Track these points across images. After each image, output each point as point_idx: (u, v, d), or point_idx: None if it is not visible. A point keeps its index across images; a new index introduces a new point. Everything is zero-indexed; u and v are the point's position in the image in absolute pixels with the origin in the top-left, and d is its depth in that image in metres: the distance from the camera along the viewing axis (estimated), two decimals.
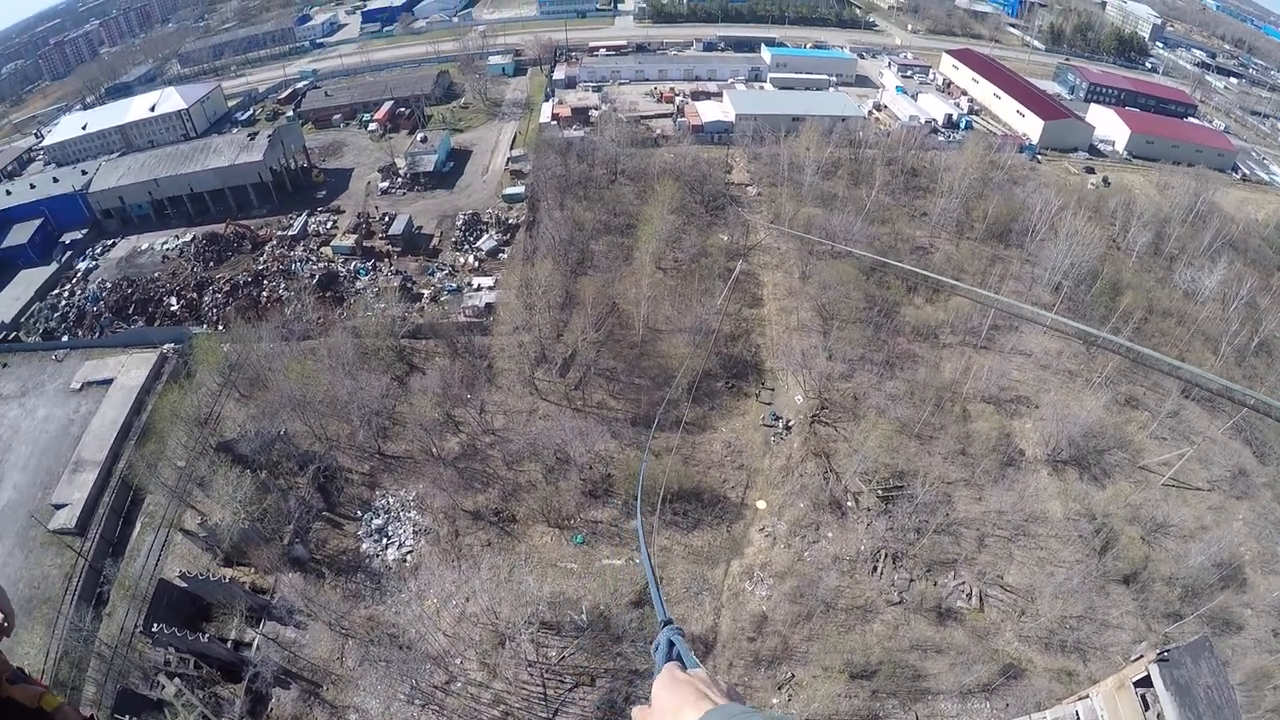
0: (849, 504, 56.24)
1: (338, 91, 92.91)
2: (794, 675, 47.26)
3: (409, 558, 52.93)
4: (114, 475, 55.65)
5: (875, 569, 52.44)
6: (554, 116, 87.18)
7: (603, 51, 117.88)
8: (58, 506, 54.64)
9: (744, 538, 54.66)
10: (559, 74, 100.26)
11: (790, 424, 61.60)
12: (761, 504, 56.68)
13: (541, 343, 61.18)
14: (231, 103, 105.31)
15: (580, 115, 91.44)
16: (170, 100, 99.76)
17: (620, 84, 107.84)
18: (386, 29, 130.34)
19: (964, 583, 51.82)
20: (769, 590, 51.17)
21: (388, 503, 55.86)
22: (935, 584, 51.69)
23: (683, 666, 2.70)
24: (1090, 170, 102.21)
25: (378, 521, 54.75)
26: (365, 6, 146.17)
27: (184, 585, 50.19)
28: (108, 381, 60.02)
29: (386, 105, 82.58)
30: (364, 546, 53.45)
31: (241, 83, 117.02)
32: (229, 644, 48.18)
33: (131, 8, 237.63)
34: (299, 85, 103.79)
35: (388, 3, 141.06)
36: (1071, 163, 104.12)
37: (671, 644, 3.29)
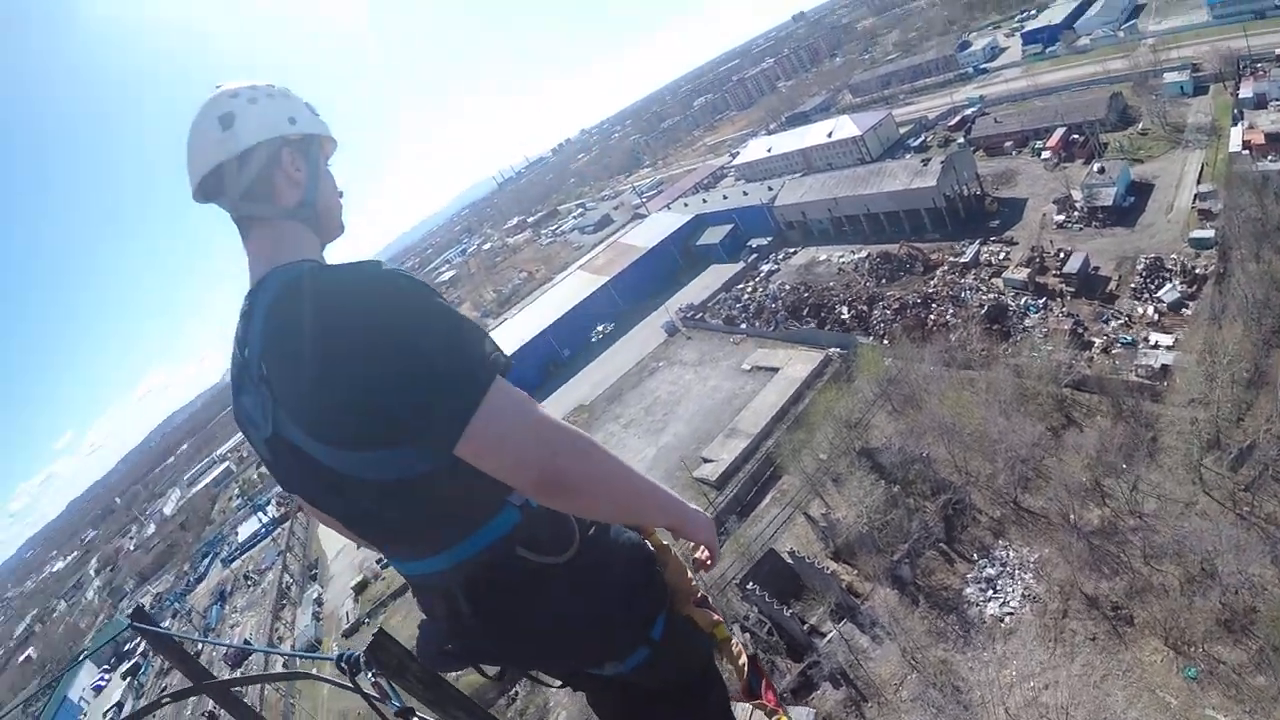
0: None
1: (1006, 118, 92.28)
2: None
3: (1007, 619, 51.09)
4: (760, 449, 62.89)
5: None
6: (1244, 144, 76.43)
7: None
8: (706, 460, 63.52)
9: None
10: (1245, 90, 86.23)
11: None
12: None
13: (1218, 424, 53.40)
14: (903, 129, 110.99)
15: (1275, 142, 78.25)
16: (845, 127, 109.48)
17: None
18: (1049, 50, 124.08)
19: None
20: None
21: (1006, 556, 54.18)
22: None
23: None
24: None
25: (990, 571, 53.54)
26: (1024, 28, 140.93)
27: (789, 561, 54.97)
28: (773, 370, 68.05)
29: (1058, 132, 79.93)
30: (967, 590, 52.81)
31: (910, 110, 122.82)
32: (806, 627, 51.74)
33: (800, 46, 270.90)
34: (967, 112, 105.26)
35: (1046, 22, 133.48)
36: None
37: None
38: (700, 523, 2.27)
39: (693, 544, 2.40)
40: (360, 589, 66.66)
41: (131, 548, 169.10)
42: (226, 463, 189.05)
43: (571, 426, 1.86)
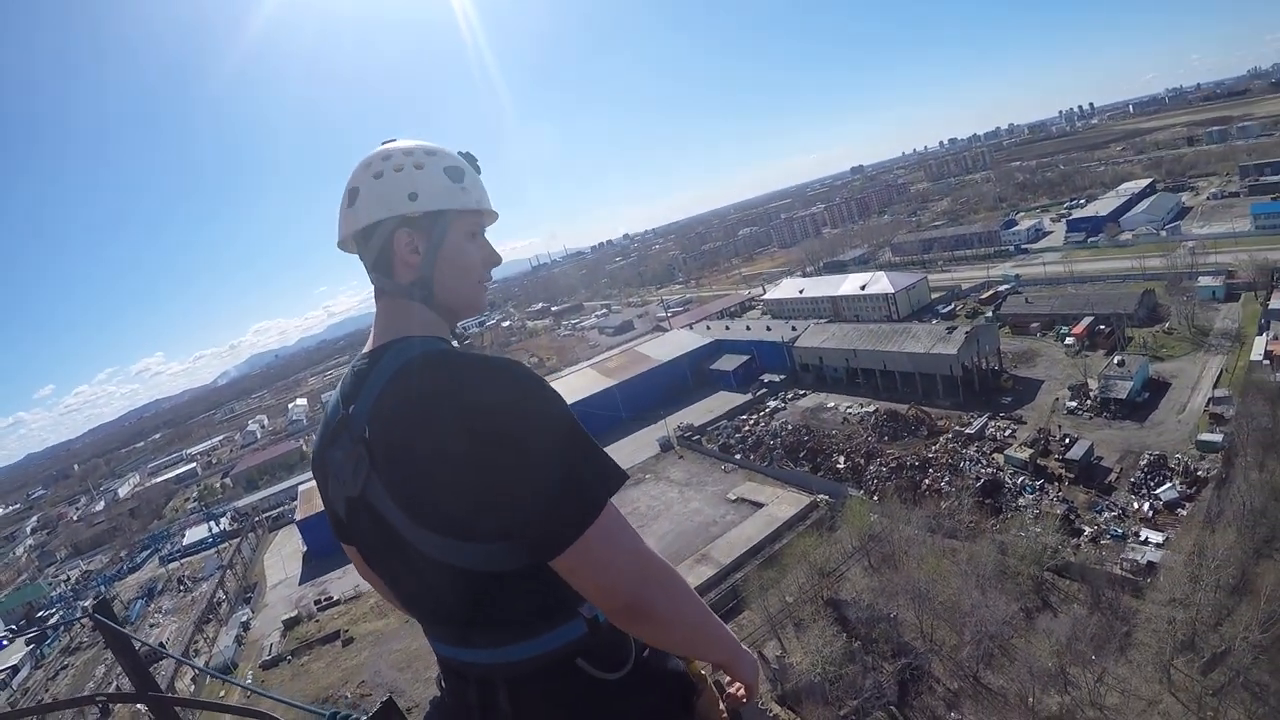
0: None
1: (1037, 299, 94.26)
2: None
3: None
4: (728, 580, 61.22)
5: None
6: (1266, 354, 76.43)
7: None
8: None
9: None
10: (1275, 301, 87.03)
11: None
12: None
13: (1195, 626, 52.69)
14: (935, 295, 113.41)
15: None
16: (879, 283, 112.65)
17: None
18: (1091, 239, 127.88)
19: None
20: None
21: None
22: None
23: None
24: None
25: None
26: (1070, 215, 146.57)
27: None
28: (758, 504, 67.74)
29: (1086, 321, 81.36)
30: None
31: (946, 277, 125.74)
32: None
33: (853, 198, 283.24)
34: (1000, 288, 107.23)
35: (1094, 212, 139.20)
36: None
37: None
38: (748, 663, 2.35)
39: (729, 679, 2.51)
40: (291, 624, 66.22)
41: (75, 518, 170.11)
42: (194, 464, 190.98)
43: (661, 558, 1.96)
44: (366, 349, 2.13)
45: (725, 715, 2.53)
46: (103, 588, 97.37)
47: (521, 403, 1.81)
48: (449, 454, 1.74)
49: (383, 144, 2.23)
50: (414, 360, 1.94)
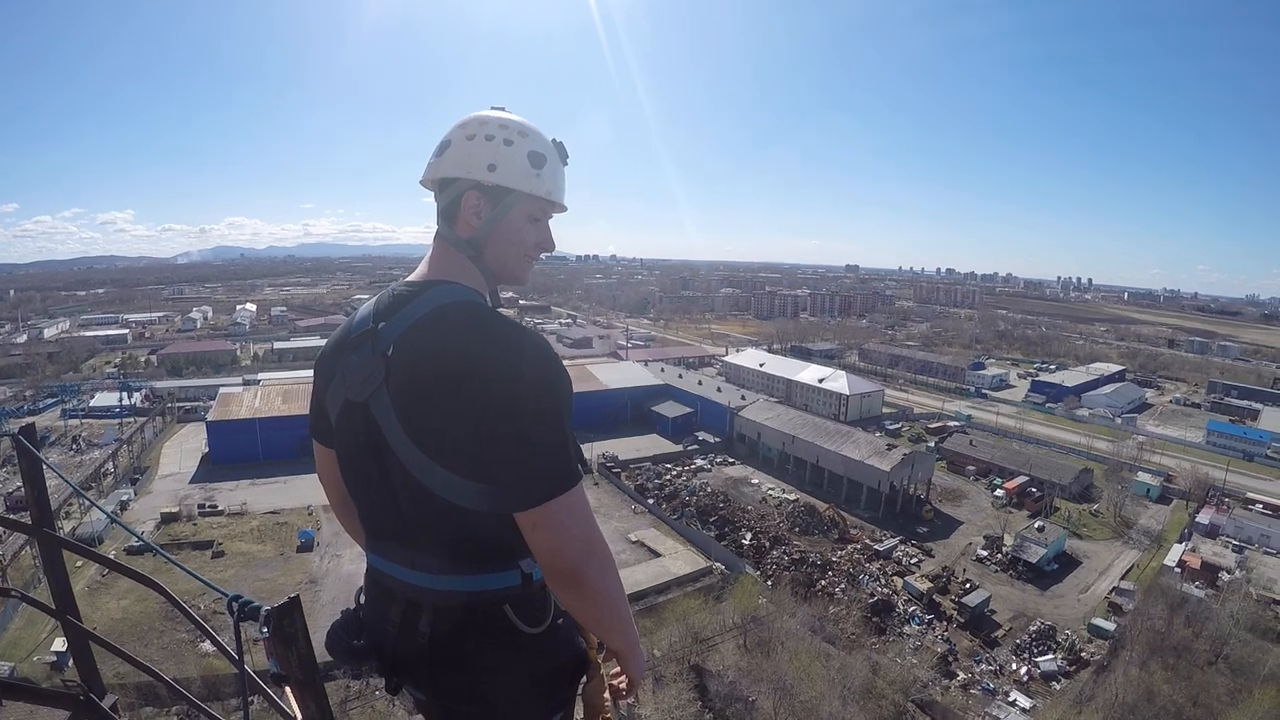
0: None
1: (981, 445, 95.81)
2: None
3: None
4: None
5: None
6: (1180, 563, 77.19)
7: (1259, 507, 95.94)
8: None
9: None
10: (1203, 516, 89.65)
11: None
12: None
13: None
14: (887, 409, 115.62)
15: (1208, 573, 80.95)
16: (838, 381, 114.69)
17: (1267, 553, 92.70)
18: (1049, 405, 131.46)
19: None
20: None
21: None
22: None
23: None
24: None
25: None
26: (1037, 376, 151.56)
27: None
28: (655, 553, 67.89)
29: (1020, 479, 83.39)
30: None
31: (902, 396, 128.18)
32: None
33: (837, 293, 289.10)
34: (950, 423, 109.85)
35: (1060, 380, 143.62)
36: None
37: None
38: (640, 660, 2.57)
39: (616, 671, 2.69)
40: (168, 519, 65.16)
41: None
42: (126, 330, 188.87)
43: (606, 543, 2.20)
44: (413, 278, 2.40)
45: (609, 703, 2.72)
46: None
47: (538, 370, 2.08)
48: (464, 394, 2.01)
49: (490, 109, 2.48)
50: (456, 305, 2.22)
